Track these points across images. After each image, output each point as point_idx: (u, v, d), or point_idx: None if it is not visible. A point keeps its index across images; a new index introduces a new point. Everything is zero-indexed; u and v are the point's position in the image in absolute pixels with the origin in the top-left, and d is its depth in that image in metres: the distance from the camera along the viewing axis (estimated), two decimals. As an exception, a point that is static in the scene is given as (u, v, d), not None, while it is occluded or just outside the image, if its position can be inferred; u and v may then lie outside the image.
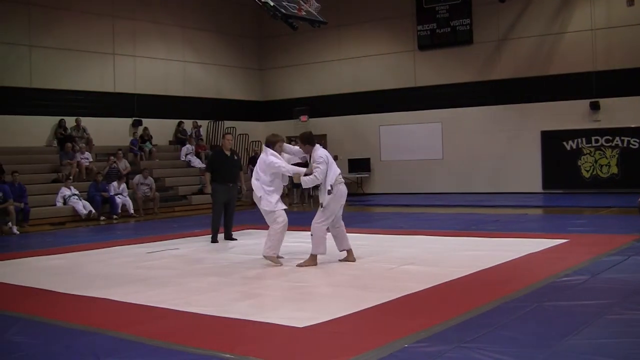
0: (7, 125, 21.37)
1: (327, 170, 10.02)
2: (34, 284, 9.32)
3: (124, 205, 20.70)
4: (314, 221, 10.14)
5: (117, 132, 24.41)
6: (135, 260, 11.41)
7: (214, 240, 13.31)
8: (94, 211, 19.83)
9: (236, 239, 13.40)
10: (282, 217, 10.19)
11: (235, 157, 14.03)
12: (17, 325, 6.97)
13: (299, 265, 10.07)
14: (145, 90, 25.47)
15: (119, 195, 20.66)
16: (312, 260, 10.15)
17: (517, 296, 7.47)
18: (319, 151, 10.19)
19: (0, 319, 7.32)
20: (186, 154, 25.53)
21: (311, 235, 10.17)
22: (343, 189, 10.30)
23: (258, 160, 10.48)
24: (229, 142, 13.97)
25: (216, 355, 5.66)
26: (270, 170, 10.20)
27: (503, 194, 23.92)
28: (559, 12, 23.75)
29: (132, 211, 20.71)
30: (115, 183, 20.90)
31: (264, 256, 10.11)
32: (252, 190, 10.51)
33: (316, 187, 10.30)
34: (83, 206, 19.75)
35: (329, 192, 10.04)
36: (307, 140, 10.31)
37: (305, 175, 10.14)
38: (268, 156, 10.25)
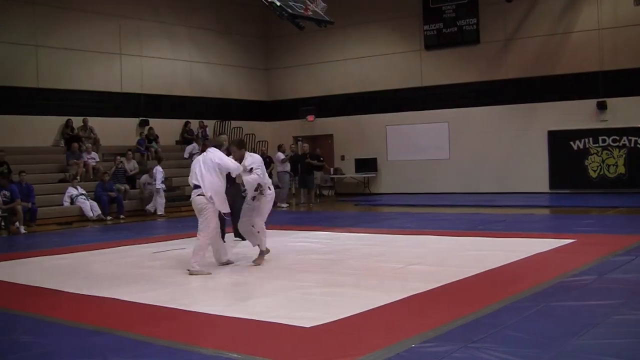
0: (14, 125, 21.42)
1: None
2: (41, 284, 9.35)
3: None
4: (259, 222, 10.42)
5: (123, 132, 24.43)
6: (142, 260, 11.43)
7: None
8: (100, 213, 19.89)
9: (245, 239, 13.33)
10: (215, 223, 10.03)
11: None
12: (25, 324, 6.99)
13: (256, 263, 10.32)
14: (151, 90, 25.50)
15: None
16: (263, 255, 10.50)
17: (524, 296, 7.46)
18: (255, 156, 10.52)
19: (8, 318, 7.34)
20: (191, 154, 25.53)
21: (258, 232, 10.44)
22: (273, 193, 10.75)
23: (204, 159, 10.06)
24: (224, 143, 13.81)
25: (223, 354, 5.66)
26: (222, 167, 9.95)
27: (510, 194, 23.87)
28: (566, 12, 23.70)
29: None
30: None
31: (190, 271, 9.73)
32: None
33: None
34: (91, 207, 19.80)
35: (262, 193, 10.36)
36: (243, 145, 10.79)
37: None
38: (216, 153, 10.06)
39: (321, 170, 25.81)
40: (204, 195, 9.81)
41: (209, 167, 9.87)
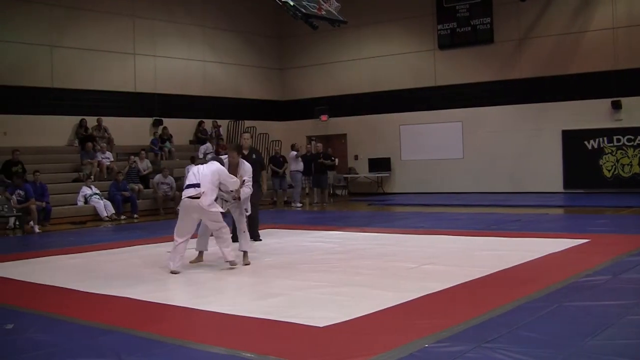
0: (29, 125, 21.51)
1: None
2: (55, 283, 9.39)
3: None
4: (243, 226, 10.64)
5: (137, 131, 24.50)
6: (155, 259, 11.43)
7: (235, 240, 13.29)
8: (113, 212, 19.95)
9: (261, 239, 13.31)
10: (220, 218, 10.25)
11: (254, 157, 13.61)
12: (39, 323, 7.01)
13: (246, 264, 10.38)
14: (165, 89, 25.56)
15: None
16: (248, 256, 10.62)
17: (538, 296, 7.43)
18: (247, 165, 10.70)
19: (22, 317, 7.38)
20: (205, 153, 25.57)
21: (243, 232, 10.59)
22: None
23: (211, 167, 10.14)
24: (247, 142, 13.76)
25: (237, 354, 5.66)
26: (220, 180, 10.07)
27: (524, 193, 23.81)
28: (580, 11, 23.60)
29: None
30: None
31: (230, 261, 10.07)
32: (235, 193, 10.34)
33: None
34: (104, 206, 19.86)
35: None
36: (241, 151, 11.02)
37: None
38: (219, 166, 10.22)
39: (334, 169, 25.80)
40: (196, 198, 9.79)
41: (210, 173, 9.96)
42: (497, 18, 25.07)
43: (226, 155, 10.71)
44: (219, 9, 27.65)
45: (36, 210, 17.63)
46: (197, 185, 9.82)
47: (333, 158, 25.18)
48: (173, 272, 9.75)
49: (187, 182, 10.07)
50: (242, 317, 7.00)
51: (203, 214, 9.92)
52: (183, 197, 10.04)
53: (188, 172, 10.38)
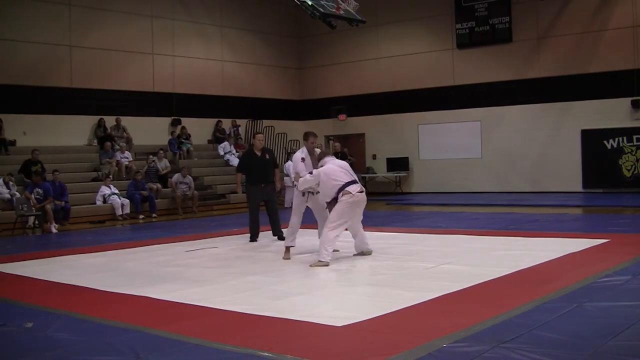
0: (48, 125, 21.66)
1: None
2: (74, 282, 9.42)
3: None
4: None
5: (156, 131, 24.60)
6: (174, 258, 11.48)
7: (253, 239, 13.33)
8: (127, 212, 20.06)
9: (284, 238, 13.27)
10: None
11: (267, 157, 13.68)
12: (59, 321, 7.05)
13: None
14: (183, 89, 25.63)
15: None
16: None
17: (557, 296, 7.39)
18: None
19: (42, 315, 7.41)
20: (225, 152, 25.65)
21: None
22: None
23: (335, 164, 10.52)
24: (260, 142, 13.76)
25: (254, 353, 5.67)
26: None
27: (543, 193, 23.71)
28: (600, 9, 23.46)
29: None
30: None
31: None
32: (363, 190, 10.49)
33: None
34: (121, 205, 19.93)
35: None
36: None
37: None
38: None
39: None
40: (363, 191, 10.31)
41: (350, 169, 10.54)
42: (516, 17, 24.97)
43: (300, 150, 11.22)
44: (237, 9, 27.70)
45: (52, 210, 17.72)
46: (356, 182, 10.25)
47: (350, 157, 25.14)
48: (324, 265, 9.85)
49: (342, 181, 10.18)
50: (260, 316, 7.00)
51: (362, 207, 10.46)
52: (353, 193, 10.18)
53: (330, 173, 10.29)
